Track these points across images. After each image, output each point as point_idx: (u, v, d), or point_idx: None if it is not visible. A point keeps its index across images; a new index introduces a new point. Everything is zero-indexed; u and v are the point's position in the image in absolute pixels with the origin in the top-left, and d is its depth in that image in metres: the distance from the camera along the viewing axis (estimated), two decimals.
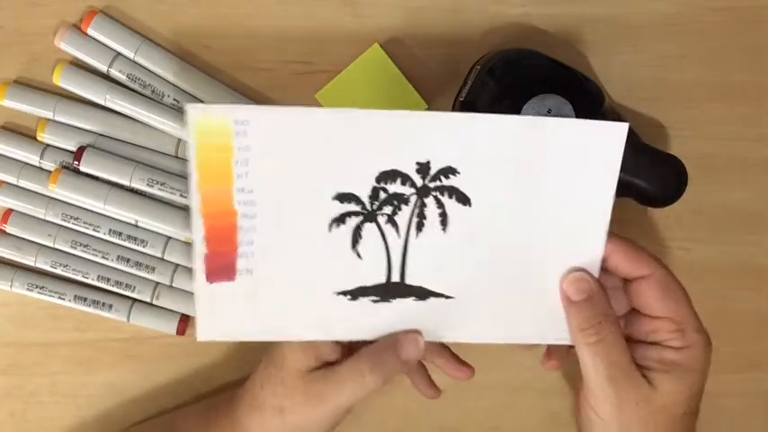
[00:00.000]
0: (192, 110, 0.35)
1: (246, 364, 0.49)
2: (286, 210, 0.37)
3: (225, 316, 0.39)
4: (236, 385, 0.47)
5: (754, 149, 0.51)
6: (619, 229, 0.50)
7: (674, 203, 0.45)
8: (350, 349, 0.41)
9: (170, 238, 0.48)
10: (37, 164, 0.47)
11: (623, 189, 0.44)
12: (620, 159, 0.37)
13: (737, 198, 0.51)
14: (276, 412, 0.41)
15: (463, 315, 0.40)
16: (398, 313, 0.39)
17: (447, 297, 0.39)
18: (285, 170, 0.37)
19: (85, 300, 0.48)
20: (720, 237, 0.51)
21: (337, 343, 0.41)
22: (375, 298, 0.39)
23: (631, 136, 0.46)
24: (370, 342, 0.40)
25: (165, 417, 0.50)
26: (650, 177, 0.44)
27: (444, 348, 0.45)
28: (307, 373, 0.41)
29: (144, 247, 0.48)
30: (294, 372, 0.41)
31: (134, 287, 0.49)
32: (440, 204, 0.38)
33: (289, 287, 0.39)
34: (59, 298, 0.48)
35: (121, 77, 0.47)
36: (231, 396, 0.46)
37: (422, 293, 0.39)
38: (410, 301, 0.39)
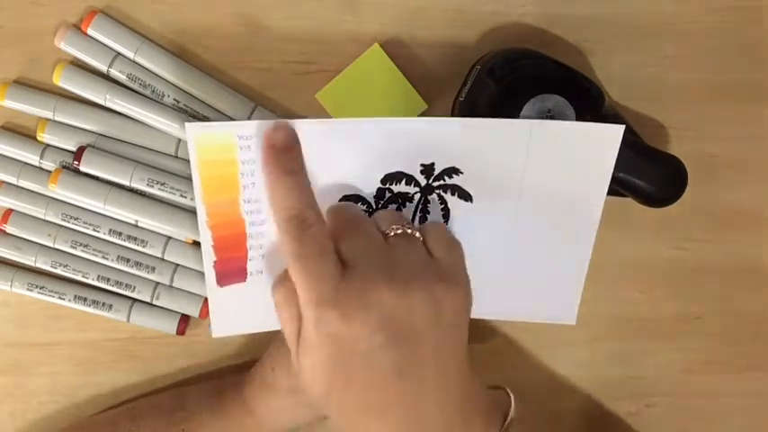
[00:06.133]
0: (192, 128, 0.36)
1: (247, 363, 0.49)
2: None
3: (237, 312, 0.41)
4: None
5: (754, 149, 0.51)
6: (619, 229, 0.51)
7: (674, 203, 0.45)
8: None
9: (170, 238, 0.48)
10: (37, 164, 0.47)
11: (623, 189, 0.44)
12: (615, 160, 0.38)
13: (737, 198, 0.51)
14: (290, 392, 0.43)
15: None
16: None
17: None
18: None
19: (85, 300, 0.48)
20: (720, 237, 0.51)
21: None
22: None
23: (631, 136, 0.46)
24: None
25: (169, 393, 0.49)
26: (650, 177, 0.44)
27: None
28: None
29: (144, 247, 0.48)
30: None
31: (134, 287, 0.49)
32: (443, 201, 0.39)
33: None
34: (59, 298, 0.48)
35: (121, 77, 0.47)
36: (239, 380, 0.46)
37: None
38: None
